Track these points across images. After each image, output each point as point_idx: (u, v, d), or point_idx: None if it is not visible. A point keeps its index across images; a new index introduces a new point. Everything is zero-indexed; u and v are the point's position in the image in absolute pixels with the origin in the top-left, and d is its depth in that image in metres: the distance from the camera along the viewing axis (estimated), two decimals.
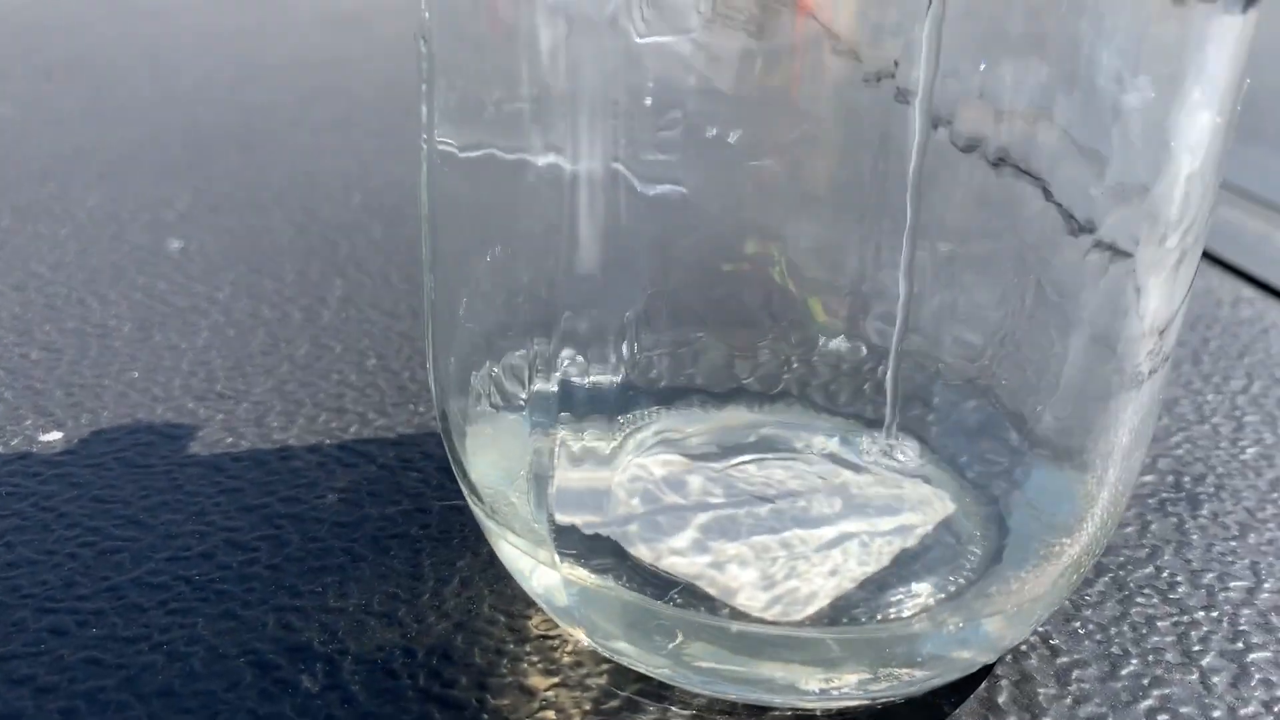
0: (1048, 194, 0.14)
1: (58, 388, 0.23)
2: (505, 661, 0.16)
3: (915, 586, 0.15)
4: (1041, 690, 0.16)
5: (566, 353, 0.15)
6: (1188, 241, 0.14)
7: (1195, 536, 0.20)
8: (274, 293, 0.28)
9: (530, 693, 0.15)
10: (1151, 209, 0.13)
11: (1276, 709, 0.16)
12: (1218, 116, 0.13)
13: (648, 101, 0.14)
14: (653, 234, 0.15)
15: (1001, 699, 0.16)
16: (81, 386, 0.23)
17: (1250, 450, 0.23)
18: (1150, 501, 0.21)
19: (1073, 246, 0.14)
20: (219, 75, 0.50)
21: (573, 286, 0.14)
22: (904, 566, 0.15)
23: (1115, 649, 0.17)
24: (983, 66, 0.13)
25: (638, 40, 0.13)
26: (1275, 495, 0.21)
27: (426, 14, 0.15)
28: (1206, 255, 0.34)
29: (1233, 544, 0.19)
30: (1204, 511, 0.20)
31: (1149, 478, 0.21)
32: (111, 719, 0.15)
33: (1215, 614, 0.18)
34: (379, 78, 0.51)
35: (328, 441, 0.21)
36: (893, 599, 0.15)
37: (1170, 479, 0.21)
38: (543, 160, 0.14)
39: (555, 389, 0.15)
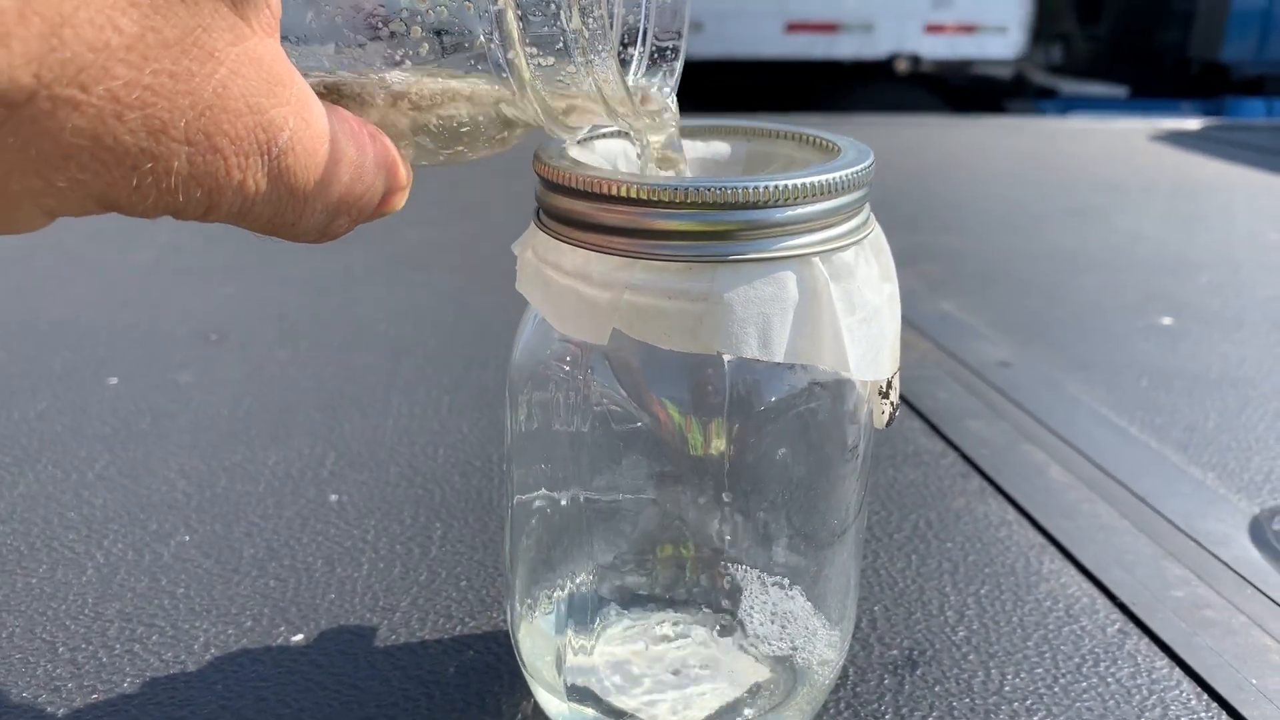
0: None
1: (292, 604, 0.41)
2: None
3: None
4: None
5: (566, 589, 0.33)
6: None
7: (909, 688, 0.37)
8: (400, 533, 0.46)
9: None
10: None
11: None
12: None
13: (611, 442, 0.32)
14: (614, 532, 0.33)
15: None
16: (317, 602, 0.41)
17: (961, 632, 0.40)
18: (890, 667, 0.38)
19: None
20: (328, 343, 0.70)
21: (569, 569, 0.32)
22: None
23: None
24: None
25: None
26: (965, 657, 0.38)
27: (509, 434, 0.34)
28: (994, 483, 0.52)
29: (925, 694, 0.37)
30: (917, 673, 0.38)
31: (894, 651, 0.39)
32: None
33: None
34: (458, 344, 0.70)
35: (447, 637, 0.39)
36: None
37: (901, 654, 0.39)
38: (560, 498, 0.32)
39: (563, 609, 0.33)
